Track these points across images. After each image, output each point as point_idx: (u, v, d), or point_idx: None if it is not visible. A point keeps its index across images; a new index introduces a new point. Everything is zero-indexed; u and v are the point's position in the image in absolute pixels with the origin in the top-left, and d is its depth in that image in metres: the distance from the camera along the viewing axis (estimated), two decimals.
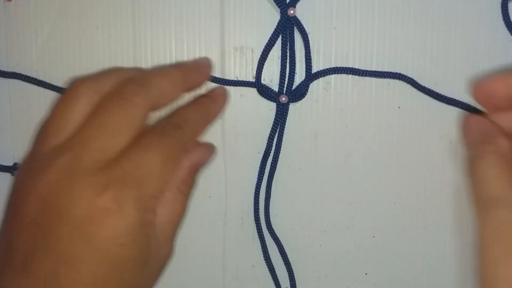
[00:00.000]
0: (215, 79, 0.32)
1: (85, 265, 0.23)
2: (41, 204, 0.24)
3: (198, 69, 0.31)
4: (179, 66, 0.30)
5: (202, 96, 0.31)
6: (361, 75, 0.32)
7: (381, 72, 0.32)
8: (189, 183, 0.28)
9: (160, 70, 0.28)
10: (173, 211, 0.27)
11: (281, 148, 0.33)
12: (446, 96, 0.32)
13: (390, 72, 0.32)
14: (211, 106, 0.31)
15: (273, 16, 0.32)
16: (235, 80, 0.32)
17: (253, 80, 0.32)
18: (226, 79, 0.32)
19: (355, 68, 0.32)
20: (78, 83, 0.26)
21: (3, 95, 0.33)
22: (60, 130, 0.26)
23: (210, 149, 0.30)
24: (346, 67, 0.32)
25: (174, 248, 0.28)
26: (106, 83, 0.27)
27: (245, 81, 0.32)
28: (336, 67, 0.32)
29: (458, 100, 0.32)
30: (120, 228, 0.24)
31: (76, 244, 0.23)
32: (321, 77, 0.32)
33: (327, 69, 0.32)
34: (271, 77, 0.32)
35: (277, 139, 0.33)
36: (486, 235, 0.22)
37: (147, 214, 0.25)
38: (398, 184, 0.34)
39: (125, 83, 0.26)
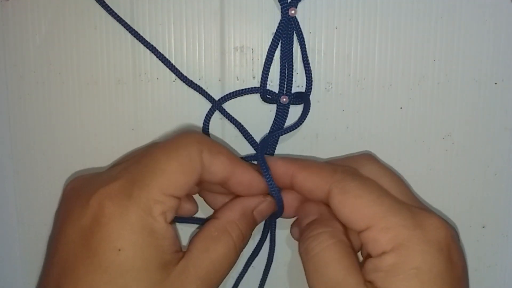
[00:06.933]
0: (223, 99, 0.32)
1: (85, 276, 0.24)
2: None
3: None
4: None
5: None
6: None
7: None
8: (241, 230, 0.27)
9: None
10: (214, 249, 0.26)
11: (282, 149, 0.33)
12: None
13: None
14: None
15: (273, 16, 0.31)
16: (240, 90, 0.32)
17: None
18: (233, 92, 0.32)
19: None
20: None
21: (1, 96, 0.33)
22: None
23: (271, 201, 0.29)
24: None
25: None
26: None
27: (250, 88, 0.32)
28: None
29: None
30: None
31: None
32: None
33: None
34: (271, 77, 0.32)
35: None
36: None
37: (149, 218, 0.24)
38: None
39: None
